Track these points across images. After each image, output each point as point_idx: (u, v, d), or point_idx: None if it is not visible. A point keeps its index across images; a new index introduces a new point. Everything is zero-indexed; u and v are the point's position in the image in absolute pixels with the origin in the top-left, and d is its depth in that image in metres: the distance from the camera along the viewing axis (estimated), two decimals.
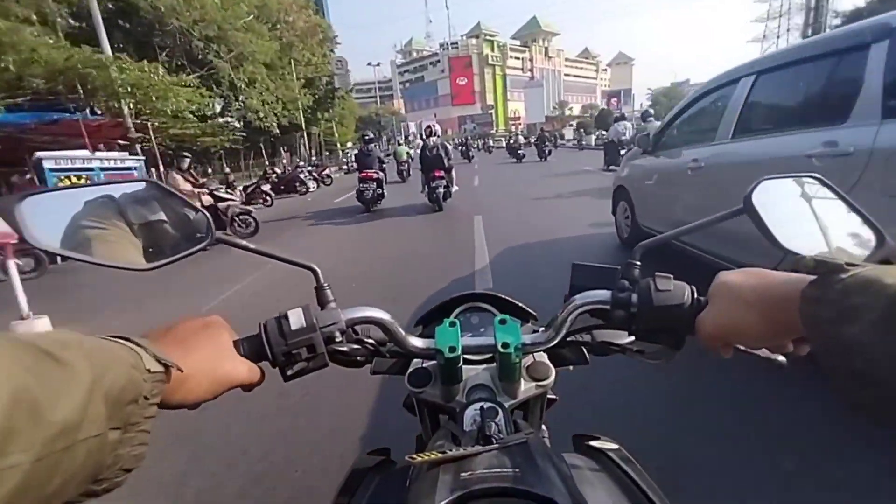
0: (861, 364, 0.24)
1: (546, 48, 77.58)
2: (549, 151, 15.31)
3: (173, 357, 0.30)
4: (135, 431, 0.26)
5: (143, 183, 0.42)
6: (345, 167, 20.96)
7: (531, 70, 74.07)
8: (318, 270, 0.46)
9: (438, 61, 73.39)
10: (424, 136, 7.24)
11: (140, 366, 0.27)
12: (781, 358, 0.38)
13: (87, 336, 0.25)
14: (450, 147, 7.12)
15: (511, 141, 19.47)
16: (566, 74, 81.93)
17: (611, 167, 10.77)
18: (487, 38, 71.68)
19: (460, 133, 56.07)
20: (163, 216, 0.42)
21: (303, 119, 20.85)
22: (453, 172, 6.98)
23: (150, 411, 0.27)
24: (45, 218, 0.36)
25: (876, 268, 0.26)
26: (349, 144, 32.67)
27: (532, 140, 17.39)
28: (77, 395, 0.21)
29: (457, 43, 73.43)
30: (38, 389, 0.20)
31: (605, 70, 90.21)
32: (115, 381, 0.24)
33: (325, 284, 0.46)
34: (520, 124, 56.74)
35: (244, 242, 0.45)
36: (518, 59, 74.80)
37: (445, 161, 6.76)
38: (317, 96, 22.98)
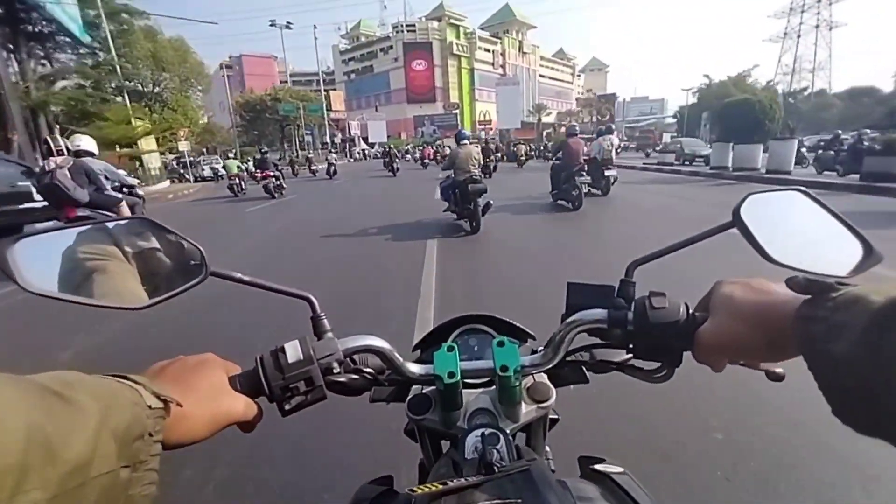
0: (850, 381, 0.29)
1: (521, 42, 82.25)
2: (494, 168, 17.93)
3: (171, 394, 0.36)
4: (143, 470, 0.32)
5: (136, 220, 0.52)
6: None
7: (503, 66, 77.82)
8: (315, 301, 0.56)
9: (391, 47, 74.02)
10: (45, 155, 5.43)
11: (141, 402, 0.33)
12: (780, 370, 0.47)
13: (87, 375, 0.32)
14: (100, 169, 5.44)
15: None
16: (540, 76, 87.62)
17: (592, 189, 9.22)
18: (452, 21, 73.38)
19: (417, 138, 56.82)
20: (156, 244, 0.51)
21: None
22: (124, 209, 5.54)
23: (155, 449, 0.33)
24: (39, 260, 0.41)
25: (865, 287, 0.32)
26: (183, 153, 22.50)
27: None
28: (87, 432, 0.27)
29: (414, 25, 74.07)
30: (49, 428, 0.25)
31: (579, 76, 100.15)
32: (121, 418, 0.30)
33: (322, 314, 0.55)
34: (491, 129, 58.37)
35: (238, 275, 0.54)
36: (488, 51, 78.08)
37: (71, 192, 4.77)
38: None
